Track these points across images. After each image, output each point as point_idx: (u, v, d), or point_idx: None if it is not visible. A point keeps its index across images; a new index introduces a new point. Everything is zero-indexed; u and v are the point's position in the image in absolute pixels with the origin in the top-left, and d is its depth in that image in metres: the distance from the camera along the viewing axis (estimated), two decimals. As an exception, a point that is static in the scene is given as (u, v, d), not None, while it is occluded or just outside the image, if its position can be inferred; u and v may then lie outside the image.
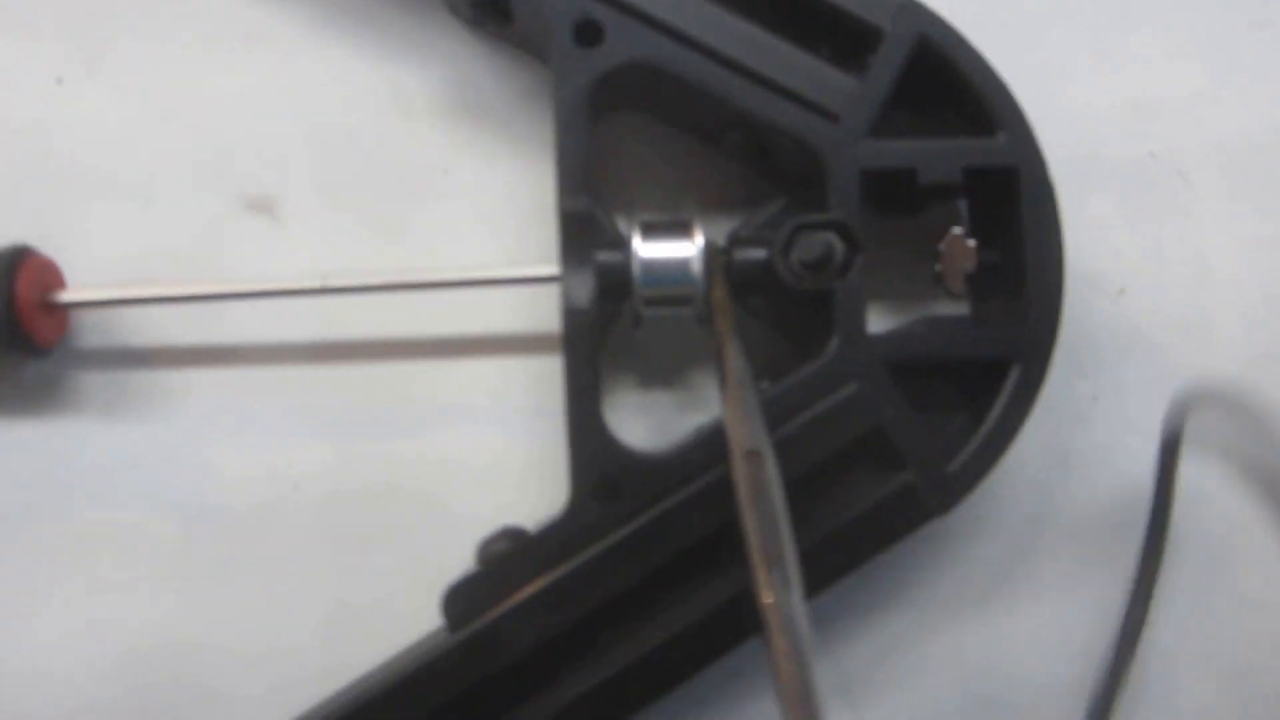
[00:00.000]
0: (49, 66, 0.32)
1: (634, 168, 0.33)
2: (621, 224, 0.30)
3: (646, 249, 0.29)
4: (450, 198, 0.32)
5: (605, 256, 0.29)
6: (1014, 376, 0.28)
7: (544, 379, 0.32)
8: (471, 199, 0.32)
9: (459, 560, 0.28)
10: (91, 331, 0.32)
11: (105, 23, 0.33)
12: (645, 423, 0.32)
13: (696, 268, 0.29)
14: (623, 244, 0.29)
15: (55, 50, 0.32)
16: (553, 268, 0.29)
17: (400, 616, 0.30)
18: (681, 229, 0.29)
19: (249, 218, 0.32)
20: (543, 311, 0.31)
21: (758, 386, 0.27)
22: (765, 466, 0.25)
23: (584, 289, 0.28)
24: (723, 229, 0.31)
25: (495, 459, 0.32)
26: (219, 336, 0.32)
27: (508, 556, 0.28)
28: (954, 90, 0.29)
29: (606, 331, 0.30)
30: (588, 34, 0.28)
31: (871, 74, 0.28)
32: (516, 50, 0.32)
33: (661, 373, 0.32)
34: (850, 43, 0.29)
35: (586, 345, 0.28)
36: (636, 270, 0.29)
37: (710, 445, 0.28)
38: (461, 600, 0.28)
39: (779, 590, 0.23)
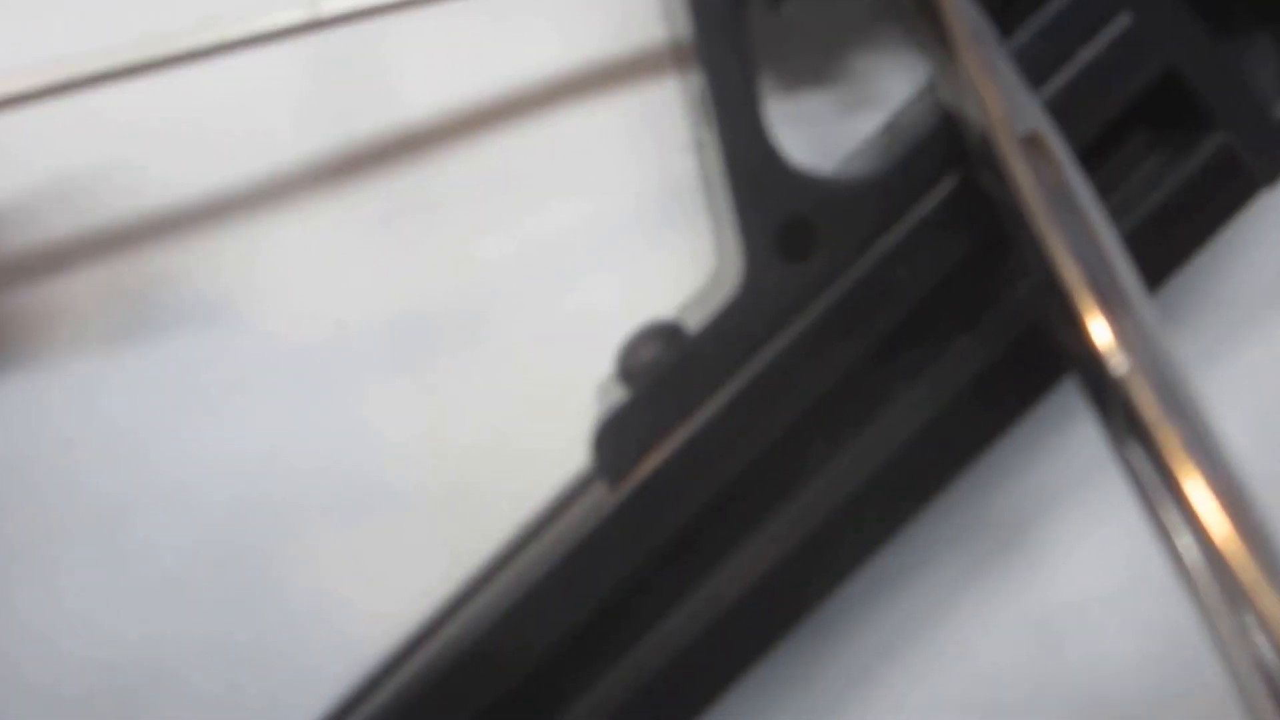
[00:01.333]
0: None
1: None
2: None
3: None
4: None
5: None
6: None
7: (651, 117, 0.22)
8: None
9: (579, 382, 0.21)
10: None
11: None
12: (797, 140, 0.22)
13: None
14: None
15: None
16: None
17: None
18: None
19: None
20: (620, 29, 0.22)
21: (1001, 41, 0.18)
22: (1056, 154, 0.16)
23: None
24: None
25: (603, 239, 0.23)
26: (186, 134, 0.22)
27: (668, 368, 0.20)
28: None
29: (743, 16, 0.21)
30: None
31: None
32: None
33: (810, 66, 0.23)
34: None
35: (728, 23, 0.19)
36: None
37: (927, 150, 0.19)
38: (615, 439, 0.20)
39: (1130, 336, 0.14)
